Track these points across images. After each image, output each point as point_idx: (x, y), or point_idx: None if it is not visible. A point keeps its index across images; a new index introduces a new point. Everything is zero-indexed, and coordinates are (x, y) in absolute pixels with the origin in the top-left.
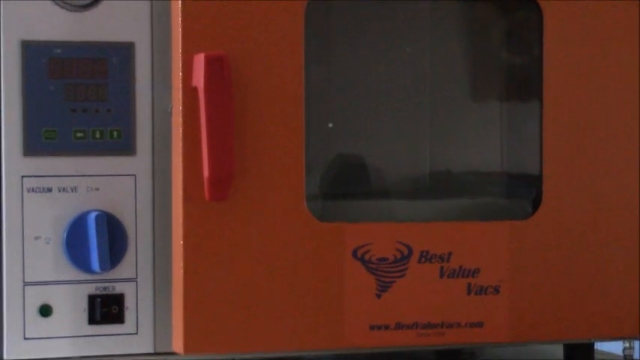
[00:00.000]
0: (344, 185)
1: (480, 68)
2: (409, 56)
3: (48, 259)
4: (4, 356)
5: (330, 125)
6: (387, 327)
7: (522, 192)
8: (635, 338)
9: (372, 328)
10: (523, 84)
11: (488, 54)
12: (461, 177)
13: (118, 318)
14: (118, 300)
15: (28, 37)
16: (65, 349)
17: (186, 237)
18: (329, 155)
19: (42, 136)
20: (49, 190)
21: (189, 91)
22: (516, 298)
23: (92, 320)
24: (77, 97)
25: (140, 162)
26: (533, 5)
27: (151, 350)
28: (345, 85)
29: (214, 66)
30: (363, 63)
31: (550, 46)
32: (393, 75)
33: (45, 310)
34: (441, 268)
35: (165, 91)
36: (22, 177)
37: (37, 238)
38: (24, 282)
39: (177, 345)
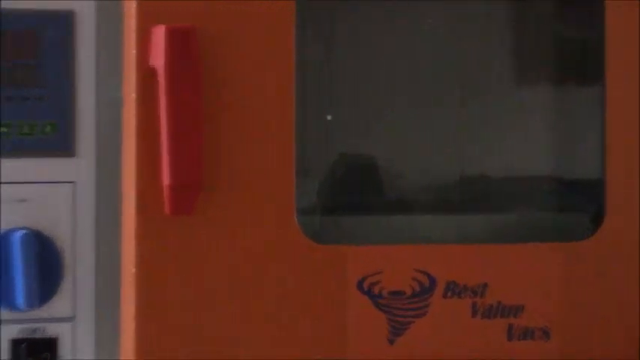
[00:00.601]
0: (348, 196)
1: (524, 47)
2: (433, 31)
3: None
4: None
5: (329, 118)
6: None
7: (579, 204)
8: None
9: None
10: (580, 66)
11: (535, 29)
12: (500, 185)
13: None
14: (49, 346)
15: None
16: None
17: (139, 262)
18: (329, 157)
19: None
20: None
21: (146, 74)
22: (571, 344)
23: None
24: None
25: (81, 165)
26: None
27: None
28: (351, 67)
29: (178, 41)
30: (374, 39)
31: (614, 16)
32: (412, 55)
33: None
34: (474, 304)
35: (114, 75)
36: None
37: None
38: None
39: None
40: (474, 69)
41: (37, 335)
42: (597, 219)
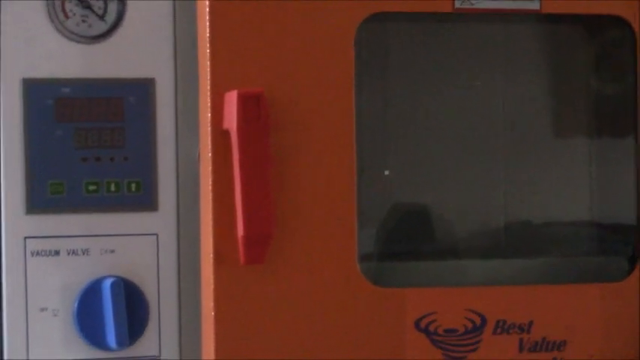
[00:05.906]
0: (404, 243)
1: (564, 100)
2: (480, 89)
3: (56, 333)
4: None
5: (387, 173)
6: None
7: (617, 247)
8: None
9: None
10: (615, 118)
11: (574, 83)
12: (542, 230)
13: None
14: None
15: (30, 75)
16: None
17: (217, 307)
18: (386, 207)
19: (47, 189)
20: (57, 253)
21: (220, 135)
22: None
23: None
24: (88, 144)
25: (163, 219)
26: (624, 26)
27: None
28: (404, 123)
29: (249, 105)
30: (425, 98)
31: None
32: (460, 111)
33: None
34: (521, 340)
35: (191, 136)
36: (25, 238)
37: (42, 309)
38: None
39: None
40: (518, 124)
41: None
42: (633, 261)
